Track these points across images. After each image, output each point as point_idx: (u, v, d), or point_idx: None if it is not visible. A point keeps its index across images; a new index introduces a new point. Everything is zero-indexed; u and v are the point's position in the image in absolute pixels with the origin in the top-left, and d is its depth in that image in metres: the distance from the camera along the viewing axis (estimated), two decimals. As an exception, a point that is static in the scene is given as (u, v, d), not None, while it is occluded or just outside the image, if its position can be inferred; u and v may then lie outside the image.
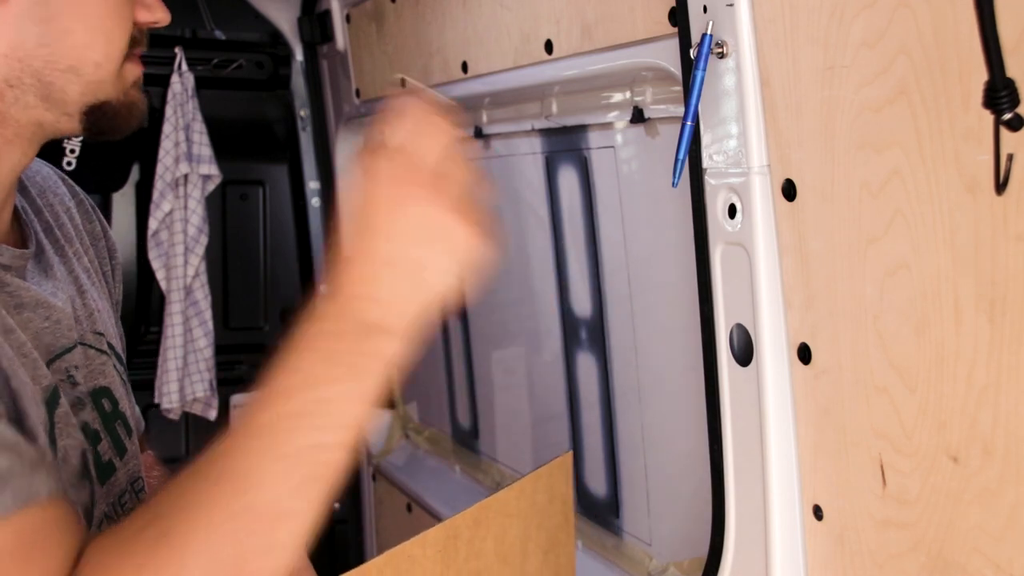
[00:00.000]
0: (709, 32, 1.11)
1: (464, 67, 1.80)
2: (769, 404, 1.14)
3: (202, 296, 2.53)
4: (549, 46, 1.53)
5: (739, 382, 1.18)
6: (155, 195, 2.47)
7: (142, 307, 2.63)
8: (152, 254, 2.48)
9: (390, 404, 2.64)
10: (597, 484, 1.77)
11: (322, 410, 0.87)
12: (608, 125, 1.58)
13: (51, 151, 1.73)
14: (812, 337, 1.10)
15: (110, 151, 2.57)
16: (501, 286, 2.03)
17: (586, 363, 1.76)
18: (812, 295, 1.09)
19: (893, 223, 0.97)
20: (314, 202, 2.76)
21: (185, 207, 2.49)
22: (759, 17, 1.08)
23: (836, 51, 0.99)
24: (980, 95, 0.81)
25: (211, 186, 2.54)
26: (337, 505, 2.82)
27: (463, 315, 2.18)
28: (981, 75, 0.80)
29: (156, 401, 2.52)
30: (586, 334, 1.75)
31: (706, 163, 1.18)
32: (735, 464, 1.20)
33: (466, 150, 0.93)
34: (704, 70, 1.13)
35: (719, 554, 1.23)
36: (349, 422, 0.87)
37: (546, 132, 1.75)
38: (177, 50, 2.50)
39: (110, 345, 1.17)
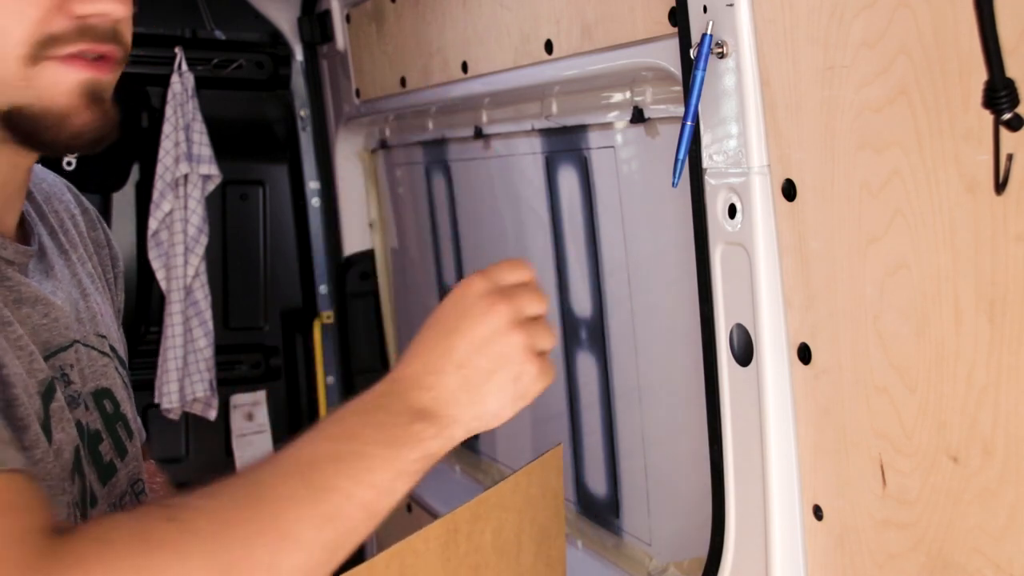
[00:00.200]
0: (709, 32, 1.11)
1: (464, 67, 1.80)
2: (769, 404, 1.14)
3: (202, 296, 2.53)
4: (549, 46, 1.53)
5: (739, 382, 1.18)
6: (155, 195, 2.47)
7: (142, 307, 2.63)
8: (152, 254, 2.48)
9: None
10: (597, 484, 1.77)
11: (358, 464, 0.87)
12: (608, 125, 1.58)
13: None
14: (812, 337, 1.10)
15: (110, 151, 2.57)
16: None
17: (586, 363, 1.76)
18: (812, 295, 1.09)
19: (893, 223, 0.97)
20: (314, 202, 2.76)
21: (185, 207, 2.49)
22: (759, 17, 1.08)
23: (836, 51, 0.99)
24: (980, 95, 0.81)
25: (211, 186, 2.54)
26: (337, 505, 2.82)
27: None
28: (981, 75, 0.80)
29: (156, 401, 2.52)
30: (586, 334, 1.75)
31: (706, 163, 1.18)
32: (735, 464, 1.20)
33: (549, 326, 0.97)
34: (704, 70, 1.13)
35: (719, 554, 1.23)
36: (380, 485, 0.88)
37: (546, 132, 1.75)
38: (177, 50, 2.50)
39: (112, 348, 1.18)
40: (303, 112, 2.74)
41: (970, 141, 0.87)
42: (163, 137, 2.48)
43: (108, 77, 1.00)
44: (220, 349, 2.59)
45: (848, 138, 1.00)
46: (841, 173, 1.02)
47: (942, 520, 0.97)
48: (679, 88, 1.23)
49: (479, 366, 0.91)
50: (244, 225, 2.76)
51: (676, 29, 1.20)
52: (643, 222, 1.56)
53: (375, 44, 2.20)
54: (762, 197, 1.11)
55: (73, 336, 1.08)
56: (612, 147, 1.59)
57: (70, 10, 0.94)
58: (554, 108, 1.66)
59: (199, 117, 2.51)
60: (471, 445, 2.25)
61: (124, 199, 2.64)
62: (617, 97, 1.52)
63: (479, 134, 1.93)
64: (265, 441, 2.74)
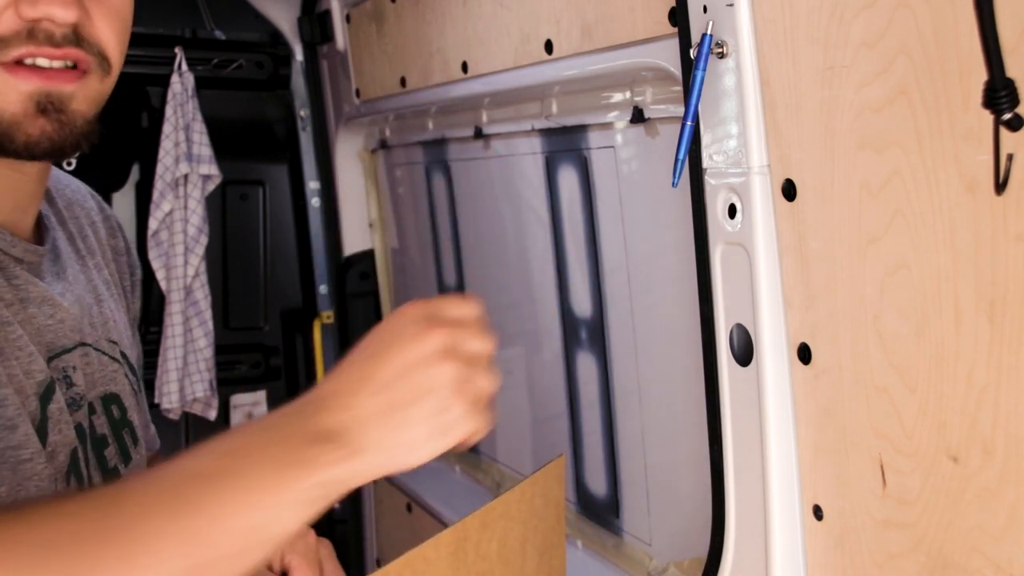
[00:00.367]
0: (709, 32, 1.11)
1: (464, 67, 1.80)
2: (769, 404, 1.14)
3: (202, 296, 2.53)
4: (549, 46, 1.53)
5: (739, 382, 1.18)
6: (155, 195, 2.47)
7: (142, 307, 2.63)
8: (152, 254, 2.48)
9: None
10: (597, 484, 1.77)
11: (234, 484, 0.77)
12: (608, 125, 1.58)
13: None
14: (812, 337, 1.10)
15: (110, 151, 2.58)
16: (501, 286, 2.03)
17: (586, 363, 1.76)
18: (812, 295, 1.09)
19: (893, 223, 0.97)
20: (314, 202, 2.76)
21: (185, 207, 2.49)
22: (759, 17, 1.08)
23: (836, 51, 0.99)
24: (980, 95, 0.81)
25: (211, 186, 2.54)
26: (337, 505, 2.83)
27: (463, 315, 2.18)
28: (981, 75, 0.80)
29: (156, 401, 2.52)
30: (586, 334, 1.75)
31: (706, 163, 1.18)
32: (735, 464, 1.20)
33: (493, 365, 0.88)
34: (704, 70, 1.13)
35: (719, 554, 1.23)
36: (257, 510, 0.76)
37: (546, 132, 1.75)
38: (177, 50, 2.50)
39: (123, 354, 1.18)
40: (303, 112, 2.74)
41: (970, 141, 0.87)
42: (163, 137, 2.48)
43: (69, 88, 0.96)
44: (220, 349, 2.59)
45: (848, 138, 1.00)
46: (841, 173, 1.02)
47: (942, 520, 0.97)
48: (679, 88, 1.23)
49: (400, 393, 0.81)
50: (244, 225, 2.76)
51: (676, 29, 1.20)
52: (643, 222, 1.56)
53: (375, 44, 2.20)
54: (762, 197, 1.11)
55: (79, 339, 1.08)
56: (612, 147, 1.59)
57: (20, 12, 0.92)
58: (554, 108, 1.66)
59: (199, 117, 2.51)
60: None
61: (124, 199, 2.64)
62: (617, 97, 1.52)
63: (479, 134, 1.93)
64: (265, 441, 2.74)
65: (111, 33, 0.99)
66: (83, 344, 1.09)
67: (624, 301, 1.63)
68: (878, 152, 0.97)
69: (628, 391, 1.66)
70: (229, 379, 2.71)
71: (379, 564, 2.60)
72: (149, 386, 2.50)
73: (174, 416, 2.56)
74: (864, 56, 0.96)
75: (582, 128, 1.64)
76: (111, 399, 1.12)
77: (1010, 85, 0.79)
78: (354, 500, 2.73)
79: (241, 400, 2.75)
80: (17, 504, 0.86)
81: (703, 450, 1.26)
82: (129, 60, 1.06)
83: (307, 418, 0.81)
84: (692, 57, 1.14)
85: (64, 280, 1.11)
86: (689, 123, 1.15)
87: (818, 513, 1.12)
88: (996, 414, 0.90)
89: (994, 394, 0.90)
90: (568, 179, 1.72)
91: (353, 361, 0.85)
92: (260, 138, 2.78)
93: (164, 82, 2.50)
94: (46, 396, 0.99)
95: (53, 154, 0.98)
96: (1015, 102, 0.79)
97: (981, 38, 0.79)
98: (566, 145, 1.71)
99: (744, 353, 1.16)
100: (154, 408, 2.55)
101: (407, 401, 0.81)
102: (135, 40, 1.07)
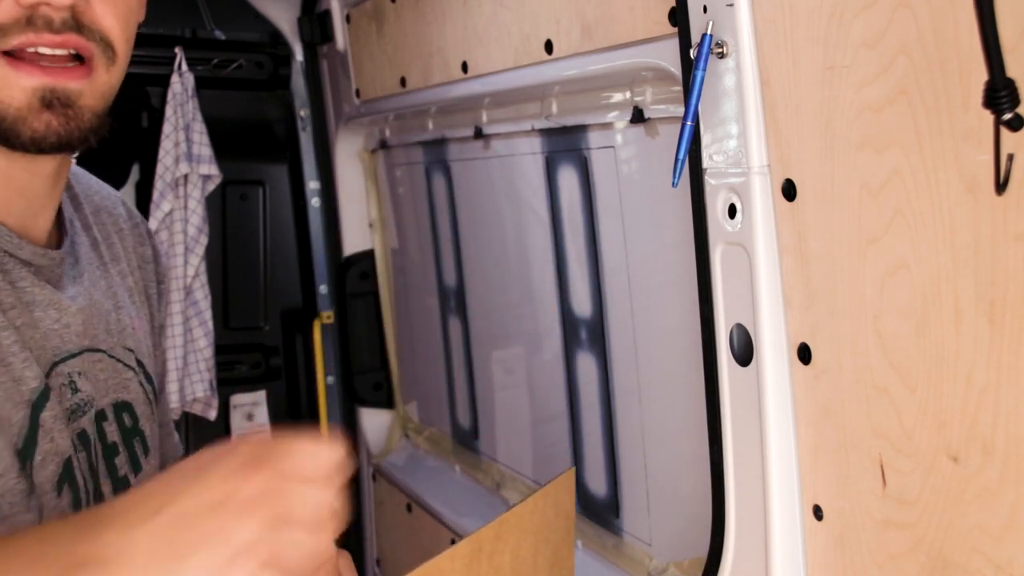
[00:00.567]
0: (709, 32, 1.11)
1: (464, 67, 1.80)
2: (769, 404, 1.14)
3: (202, 296, 2.53)
4: (549, 46, 1.53)
5: (739, 382, 1.18)
6: (155, 195, 2.47)
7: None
8: (152, 254, 2.48)
9: (390, 404, 2.65)
10: (597, 484, 1.77)
11: None
12: (608, 125, 1.58)
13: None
14: (812, 337, 1.10)
15: (110, 151, 2.58)
16: (501, 286, 2.03)
17: (586, 363, 1.76)
18: (812, 295, 1.08)
19: (893, 223, 0.97)
20: (314, 202, 2.76)
21: (185, 207, 2.49)
22: (759, 17, 1.08)
23: (836, 51, 0.99)
24: (980, 95, 0.81)
25: (211, 186, 2.54)
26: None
27: (463, 315, 2.18)
28: (981, 75, 0.80)
29: (156, 401, 2.52)
30: (586, 334, 1.75)
31: (706, 163, 1.18)
32: (735, 464, 1.20)
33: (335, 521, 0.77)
34: (704, 70, 1.13)
35: (719, 554, 1.23)
36: None
37: (546, 132, 1.75)
38: (177, 50, 2.50)
39: (139, 362, 1.17)
40: (303, 112, 2.74)
41: (970, 141, 0.87)
42: (163, 137, 2.48)
43: (75, 85, 0.95)
44: (220, 349, 2.60)
45: (848, 138, 1.00)
46: (841, 173, 1.02)
47: (942, 520, 0.97)
48: (679, 88, 1.23)
49: (184, 536, 0.72)
50: (244, 225, 2.76)
51: (676, 29, 1.20)
52: (643, 222, 1.56)
53: (375, 44, 2.20)
54: (762, 197, 1.11)
55: (87, 344, 1.07)
56: (612, 147, 1.59)
57: None
58: (554, 108, 1.66)
59: (199, 117, 2.51)
60: (471, 445, 2.25)
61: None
62: (617, 97, 1.52)
63: (479, 134, 1.93)
64: (265, 441, 2.74)
65: (113, 18, 0.98)
66: (96, 350, 1.08)
67: (624, 301, 1.63)
68: (878, 152, 0.97)
69: (628, 391, 1.66)
70: (229, 379, 2.71)
71: (379, 564, 2.60)
72: (149, 386, 2.50)
73: (174, 416, 2.55)
74: (864, 56, 0.96)
75: (582, 128, 1.64)
76: (123, 407, 1.11)
77: (1010, 85, 0.79)
78: (354, 500, 2.74)
79: (241, 400, 2.75)
80: None
81: (703, 450, 1.26)
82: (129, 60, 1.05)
83: (80, 539, 0.73)
84: (692, 57, 1.14)
85: (80, 284, 1.09)
86: (689, 123, 1.15)
87: (818, 513, 1.12)
88: (996, 414, 0.90)
89: (994, 394, 0.90)
90: (568, 179, 1.72)
91: (156, 484, 0.77)
92: (260, 138, 2.79)
93: (164, 82, 2.50)
94: (39, 404, 0.97)
95: (60, 148, 0.97)
96: (1015, 102, 0.79)
97: (981, 38, 0.79)
98: (566, 145, 1.71)
99: (744, 353, 1.16)
100: (154, 408, 2.55)
101: (189, 548, 0.71)
102: (135, 40, 1.06)
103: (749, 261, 1.13)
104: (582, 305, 1.75)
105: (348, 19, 2.35)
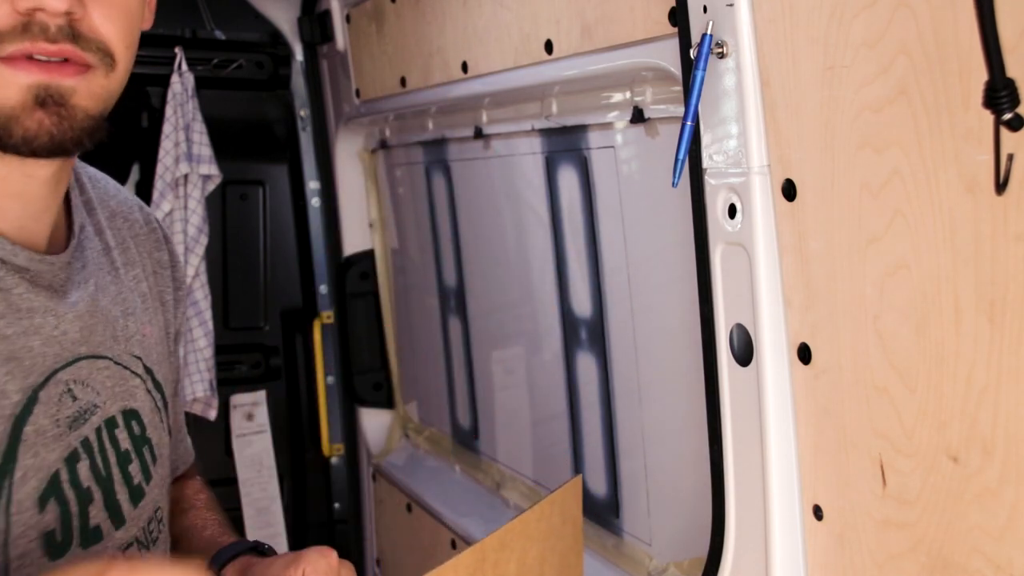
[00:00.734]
0: (709, 32, 1.11)
1: (464, 67, 1.80)
2: (769, 404, 1.14)
3: (202, 296, 2.53)
4: (549, 46, 1.53)
5: (739, 382, 1.18)
6: (155, 195, 2.47)
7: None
8: (152, 254, 2.48)
9: (390, 404, 2.65)
10: (597, 484, 1.77)
11: None
12: (608, 125, 1.58)
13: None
14: (812, 337, 1.10)
15: (110, 151, 2.58)
16: (501, 286, 2.03)
17: (586, 363, 1.76)
18: (812, 295, 1.08)
19: (893, 223, 0.97)
20: (314, 202, 2.76)
21: (185, 207, 2.49)
22: (759, 17, 1.08)
23: (836, 51, 0.99)
24: (980, 95, 0.81)
25: (211, 186, 2.54)
26: (337, 505, 2.83)
27: (463, 315, 2.18)
28: (981, 75, 0.80)
29: (156, 401, 2.52)
30: (586, 334, 1.75)
31: (706, 163, 1.18)
32: (735, 464, 1.20)
33: None
34: (704, 70, 1.13)
35: (719, 554, 1.23)
36: None
37: (546, 132, 1.75)
38: (177, 50, 2.50)
39: (148, 369, 1.15)
40: (303, 112, 2.74)
41: (970, 141, 0.87)
42: (163, 137, 2.48)
43: (69, 82, 0.94)
44: (220, 349, 2.59)
45: (848, 138, 1.00)
46: (841, 173, 1.02)
47: (942, 520, 0.97)
48: (679, 88, 1.23)
49: None
50: (244, 225, 2.76)
51: (676, 29, 1.20)
52: (643, 222, 1.56)
53: (375, 44, 2.20)
54: (762, 197, 1.11)
55: (83, 351, 1.05)
56: (612, 147, 1.59)
57: (15, 4, 0.90)
58: (554, 108, 1.66)
59: (199, 117, 2.51)
60: (471, 445, 2.25)
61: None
62: (617, 97, 1.52)
63: (479, 134, 1.93)
64: (265, 441, 2.74)
65: (112, 26, 0.97)
66: (99, 356, 1.07)
67: (624, 301, 1.63)
68: (878, 152, 0.97)
69: (628, 391, 1.66)
70: (229, 379, 2.71)
71: (379, 564, 2.60)
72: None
73: (174, 416, 2.56)
74: (864, 56, 0.96)
75: (582, 128, 1.64)
76: (131, 415, 1.10)
77: (1010, 85, 0.79)
78: (354, 500, 2.74)
79: (241, 400, 2.75)
80: None
81: (703, 450, 1.26)
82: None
83: None
84: (692, 57, 1.14)
85: (84, 290, 1.07)
86: (689, 123, 1.15)
87: (818, 513, 1.12)
88: (996, 414, 0.90)
89: (994, 394, 0.90)
90: (568, 179, 1.72)
91: None
92: (260, 138, 2.79)
93: (164, 82, 2.50)
94: (21, 417, 0.95)
95: (53, 150, 0.96)
96: (1015, 102, 0.79)
97: (981, 38, 0.79)
98: (566, 145, 1.71)
99: (744, 353, 1.16)
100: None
101: None
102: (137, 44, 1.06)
103: (749, 261, 1.13)
104: (582, 305, 1.75)
105: (348, 19, 2.35)
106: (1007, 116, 0.80)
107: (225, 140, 2.58)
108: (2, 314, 0.97)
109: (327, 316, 2.75)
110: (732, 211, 1.15)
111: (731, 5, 1.09)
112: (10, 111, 0.92)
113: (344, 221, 2.62)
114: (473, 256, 2.11)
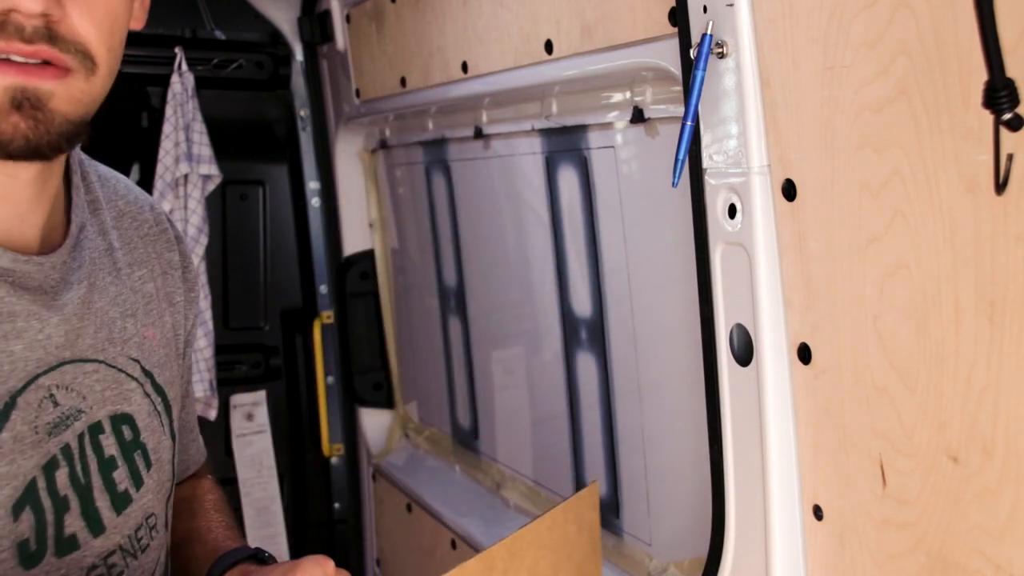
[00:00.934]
0: (709, 32, 1.11)
1: (464, 67, 1.80)
2: (769, 404, 1.14)
3: (202, 296, 2.53)
4: (549, 46, 1.53)
5: (739, 382, 1.18)
6: (155, 195, 2.47)
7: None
8: (152, 254, 2.48)
9: (390, 404, 2.65)
10: (597, 484, 1.77)
11: None
12: (608, 125, 1.58)
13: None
14: (812, 337, 1.10)
15: (110, 151, 2.58)
16: (501, 286, 2.03)
17: (586, 363, 1.76)
18: (812, 295, 1.08)
19: (893, 223, 0.97)
20: (314, 202, 2.76)
21: (185, 207, 2.49)
22: (759, 17, 1.08)
23: (836, 51, 0.99)
24: (980, 95, 0.81)
25: (211, 186, 2.54)
26: (337, 505, 2.83)
27: (463, 315, 2.18)
28: (981, 75, 0.80)
29: (156, 401, 2.52)
30: (586, 334, 1.75)
31: (706, 163, 1.18)
32: (735, 464, 1.20)
33: None
34: (704, 70, 1.13)
35: (719, 554, 1.23)
36: None
37: (546, 132, 1.75)
38: (177, 50, 2.50)
39: (146, 372, 1.14)
40: (303, 112, 2.74)
41: (970, 141, 0.87)
42: (163, 137, 2.48)
43: (47, 85, 0.92)
44: (220, 349, 2.59)
45: (848, 138, 1.00)
46: (841, 173, 1.02)
47: (942, 520, 0.97)
48: (679, 88, 1.23)
49: None
50: (244, 225, 2.76)
51: (676, 29, 1.20)
52: (643, 222, 1.56)
53: (375, 44, 2.20)
54: (762, 197, 1.11)
55: (67, 355, 1.03)
56: (612, 147, 1.59)
57: None
58: (554, 108, 1.66)
59: (199, 117, 2.51)
60: (471, 445, 2.25)
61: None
62: (617, 97, 1.52)
63: (479, 134, 1.93)
64: (265, 441, 2.74)
65: (92, 28, 0.94)
66: (89, 360, 1.05)
67: (624, 301, 1.63)
68: (878, 152, 0.97)
69: (628, 391, 1.66)
70: (229, 379, 2.71)
71: (379, 564, 2.60)
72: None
73: (174, 416, 2.55)
74: (864, 56, 0.96)
75: (582, 128, 1.64)
76: (122, 419, 1.08)
77: (1010, 85, 0.79)
78: (354, 500, 2.74)
79: (241, 400, 2.75)
80: None
81: (703, 450, 1.26)
82: (129, 60, 1.02)
83: None
84: (692, 57, 1.14)
85: (77, 290, 1.05)
86: (689, 123, 1.15)
87: (818, 513, 1.12)
88: (996, 414, 0.90)
89: (994, 394, 0.90)
90: (568, 179, 1.72)
91: None
92: (260, 138, 2.79)
93: (164, 82, 2.50)
94: None
95: (29, 154, 0.94)
96: (1015, 102, 0.79)
97: (981, 38, 0.79)
98: (566, 145, 1.71)
99: (744, 353, 1.16)
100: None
101: None
102: (135, 40, 1.04)
103: (749, 261, 1.13)
104: (582, 305, 1.75)
105: (348, 19, 2.35)
106: (1007, 116, 0.80)
107: (225, 140, 2.58)
108: None
109: (327, 316, 2.75)
110: (732, 211, 1.15)
111: (731, 5, 1.09)
112: None
113: (344, 221, 2.62)
114: (473, 256, 2.11)
